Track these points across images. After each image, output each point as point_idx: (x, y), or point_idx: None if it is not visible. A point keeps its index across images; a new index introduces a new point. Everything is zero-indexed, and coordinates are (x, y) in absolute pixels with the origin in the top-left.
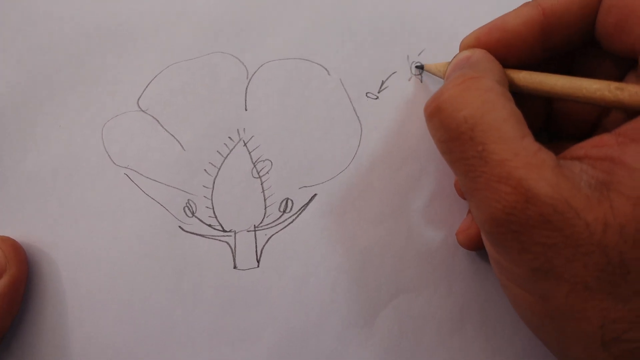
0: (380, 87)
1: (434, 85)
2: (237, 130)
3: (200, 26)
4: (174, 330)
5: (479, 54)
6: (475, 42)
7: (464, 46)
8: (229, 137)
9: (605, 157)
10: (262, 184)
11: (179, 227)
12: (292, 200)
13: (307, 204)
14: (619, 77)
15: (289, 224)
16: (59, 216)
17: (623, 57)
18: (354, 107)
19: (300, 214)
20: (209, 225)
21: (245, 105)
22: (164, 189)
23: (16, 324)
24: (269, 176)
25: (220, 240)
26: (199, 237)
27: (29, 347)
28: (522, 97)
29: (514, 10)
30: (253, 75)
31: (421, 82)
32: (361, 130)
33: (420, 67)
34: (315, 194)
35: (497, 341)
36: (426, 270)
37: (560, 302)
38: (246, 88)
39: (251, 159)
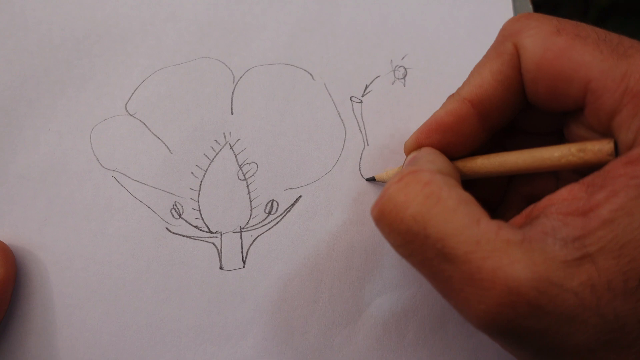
0: (364, 91)
1: (417, 89)
2: (224, 133)
3: (188, 32)
4: (160, 329)
5: (422, 151)
6: (417, 145)
7: (407, 150)
8: (216, 141)
9: (577, 211)
10: (247, 186)
11: (166, 228)
12: (277, 202)
13: (292, 205)
14: (559, 125)
15: (275, 225)
16: (47, 218)
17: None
18: (338, 111)
19: (285, 215)
20: (196, 227)
21: (232, 109)
22: (152, 191)
23: (4, 325)
24: (254, 178)
25: (206, 241)
26: (185, 238)
27: (17, 348)
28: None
29: (442, 108)
30: (239, 80)
31: (404, 86)
32: (345, 134)
33: (372, 179)
34: (300, 196)
35: (478, 338)
36: (409, 269)
37: None
38: (232, 92)
39: (237, 161)
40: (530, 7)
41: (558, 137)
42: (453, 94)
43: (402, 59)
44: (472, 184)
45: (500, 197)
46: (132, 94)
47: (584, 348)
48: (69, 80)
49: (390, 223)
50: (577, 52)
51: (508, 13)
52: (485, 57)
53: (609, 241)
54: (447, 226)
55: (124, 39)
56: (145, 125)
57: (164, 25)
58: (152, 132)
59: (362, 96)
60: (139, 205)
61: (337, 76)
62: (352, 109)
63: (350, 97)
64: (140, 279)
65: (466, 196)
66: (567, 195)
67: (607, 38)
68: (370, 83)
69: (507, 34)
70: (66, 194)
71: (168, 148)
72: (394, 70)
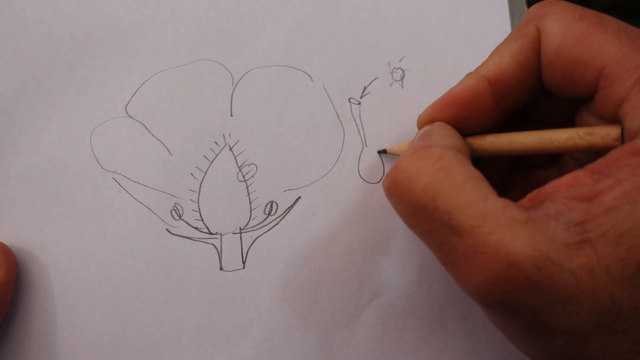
0: (363, 93)
1: (415, 91)
2: (223, 135)
3: (187, 34)
4: (160, 329)
5: (434, 126)
6: (430, 119)
7: (420, 124)
8: (215, 142)
9: (581, 196)
10: (247, 187)
11: (167, 230)
12: (276, 203)
13: (292, 206)
14: (571, 115)
15: (274, 226)
16: (47, 219)
17: (575, 100)
18: (336, 112)
19: (284, 216)
20: (196, 228)
21: (231, 111)
22: (152, 192)
23: (5, 325)
24: (254, 180)
25: (206, 242)
26: (186, 239)
27: (18, 348)
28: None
29: (459, 84)
30: (238, 82)
31: (402, 87)
32: (344, 135)
33: (383, 152)
34: (300, 197)
35: (477, 336)
36: (407, 269)
37: (561, 350)
38: (231, 94)
39: (237, 163)
40: (525, 9)
41: (568, 127)
42: (471, 72)
43: (400, 60)
44: (478, 167)
45: (504, 184)
46: (132, 96)
47: (577, 330)
48: (70, 81)
49: (401, 193)
50: (596, 39)
51: (504, 15)
52: (507, 38)
53: (609, 228)
54: (456, 200)
55: (124, 41)
56: (146, 127)
57: (163, 27)
58: (152, 134)
59: (361, 98)
60: (139, 207)
61: (336, 78)
62: (351, 110)
63: (349, 99)
64: (141, 280)
65: (476, 173)
66: (572, 180)
67: (628, 30)
68: (369, 85)
69: (531, 16)
70: (67, 196)
71: (168, 150)
72: (391, 72)
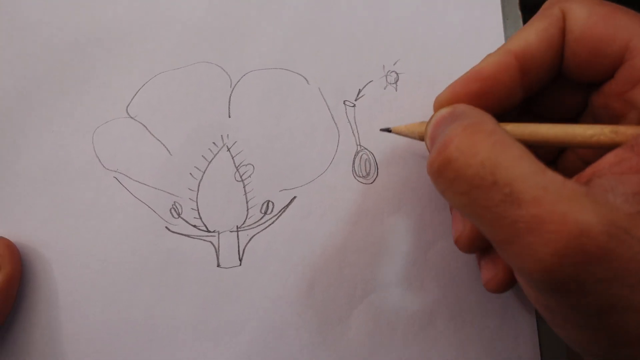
0: (357, 95)
1: (408, 94)
2: (221, 136)
3: (186, 36)
4: (158, 324)
5: (462, 106)
6: (452, 96)
7: (439, 104)
8: (213, 143)
9: (631, 169)
10: (244, 187)
11: (166, 227)
12: (272, 203)
13: (287, 205)
14: (582, 101)
15: (270, 224)
16: (50, 216)
17: (588, 83)
18: (332, 114)
19: (280, 215)
20: (194, 226)
21: (229, 113)
22: (152, 191)
23: (10, 319)
24: (251, 179)
25: (204, 240)
26: (184, 237)
27: (21, 342)
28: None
29: (484, 59)
30: (236, 84)
31: (396, 90)
32: (339, 136)
33: (387, 130)
34: (295, 197)
35: (465, 333)
36: (400, 267)
37: (632, 332)
38: (229, 96)
39: (234, 163)
40: (519, 13)
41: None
42: (493, 52)
43: (394, 64)
44: None
45: None
46: (133, 97)
47: None
48: (72, 82)
49: (457, 169)
50: (619, 18)
51: (498, 19)
52: (531, 20)
53: None
54: (516, 171)
55: (125, 43)
56: (146, 127)
57: (163, 30)
58: (153, 135)
59: (356, 100)
60: (140, 205)
61: (331, 81)
62: (346, 112)
63: (344, 101)
64: (140, 276)
65: (527, 149)
66: (613, 159)
67: None
68: (364, 87)
69: (554, 0)
70: (69, 194)
71: (168, 150)
72: (386, 75)
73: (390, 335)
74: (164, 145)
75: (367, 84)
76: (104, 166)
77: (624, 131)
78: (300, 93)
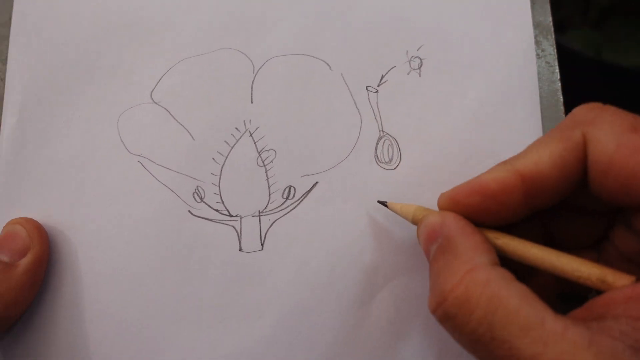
0: (380, 81)
1: (432, 80)
2: (244, 121)
3: (209, 23)
4: (182, 306)
5: (451, 224)
6: (452, 203)
7: (441, 203)
8: (236, 128)
9: None
10: (266, 172)
11: (189, 211)
12: (294, 188)
13: (309, 191)
14: (607, 220)
15: (292, 209)
16: (77, 200)
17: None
18: (354, 100)
19: (302, 200)
20: (217, 210)
21: (252, 98)
22: (175, 175)
23: (37, 298)
24: (273, 165)
25: (226, 224)
26: (207, 221)
27: (48, 321)
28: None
29: (489, 172)
30: (259, 70)
31: (419, 76)
32: (361, 122)
33: (384, 204)
34: (317, 182)
35: None
36: (421, 254)
37: None
38: (252, 82)
39: (256, 148)
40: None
41: (608, 220)
42: (504, 162)
43: (418, 49)
44: None
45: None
46: (157, 83)
47: None
48: (98, 69)
49: (455, 325)
50: None
51: (525, 4)
52: (548, 135)
53: None
54: (513, 328)
55: (150, 31)
56: (170, 113)
57: (186, 17)
58: (176, 120)
59: (378, 86)
60: (163, 189)
61: (354, 66)
62: (368, 98)
63: (367, 87)
64: (164, 258)
65: (525, 290)
66: (631, 293)
67: None
68: (386, 73)
69: (577, 120)
70: (95, 178)
71: (191, 135)
72: (409, 61)
73: (410, 321)
74: (187, 130)
75: (390, 69)
76: (128, 151)
77: (611, 281)
78: (322, 79)
